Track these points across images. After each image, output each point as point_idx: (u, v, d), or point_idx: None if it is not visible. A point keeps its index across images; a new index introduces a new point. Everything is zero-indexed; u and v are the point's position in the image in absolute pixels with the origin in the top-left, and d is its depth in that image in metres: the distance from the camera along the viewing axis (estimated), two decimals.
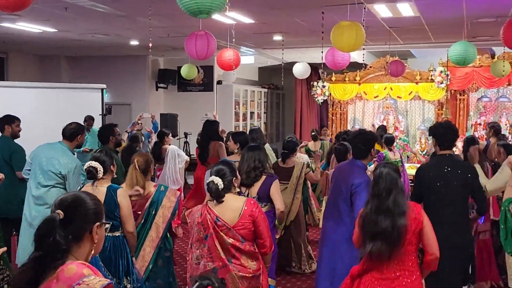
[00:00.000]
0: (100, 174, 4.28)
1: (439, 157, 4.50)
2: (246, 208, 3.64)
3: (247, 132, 7.60)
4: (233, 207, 3.67)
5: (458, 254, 4.17)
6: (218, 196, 3.66)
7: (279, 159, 6.56)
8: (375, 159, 7.92)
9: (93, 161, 4.29)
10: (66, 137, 5.34)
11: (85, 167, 4.30)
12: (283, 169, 6.33)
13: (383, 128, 10.39)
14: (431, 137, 4.64)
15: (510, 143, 7.04)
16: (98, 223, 2.19)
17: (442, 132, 4.48)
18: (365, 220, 3.37)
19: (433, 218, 3.48)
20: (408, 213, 3.31)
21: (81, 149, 7.75)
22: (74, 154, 5.51)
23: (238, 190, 3.97)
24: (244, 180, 4.76)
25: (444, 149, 4.45)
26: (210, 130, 7.53)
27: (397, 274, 3.30)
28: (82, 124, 5.77)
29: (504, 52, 10.25)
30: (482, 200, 4.41)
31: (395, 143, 8.85)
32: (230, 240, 3.62)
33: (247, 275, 3.65)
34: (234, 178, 3.77)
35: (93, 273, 2.06)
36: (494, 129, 7.91)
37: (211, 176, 3.72)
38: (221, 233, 3.63)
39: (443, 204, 4.26)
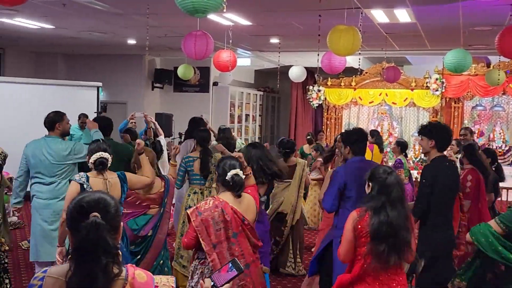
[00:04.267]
0: (109, 164, 4.25)
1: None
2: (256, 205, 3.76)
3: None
4: (250, 205, 3.73)
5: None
6: (241, 188, 3.69)
7: (280, 158, 6.81)
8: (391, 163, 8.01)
9: (103, 152, 4.18)
10: (47, 128, 5.40)
11: (94, 159, 4.16)
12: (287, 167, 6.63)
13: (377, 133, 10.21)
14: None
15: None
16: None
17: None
18: (381, 229, 3.20)
19: None
20: None
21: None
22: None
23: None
24: (263, 178, 4.75)
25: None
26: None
27: (396, 275, 3.30)
28: (62, 112, 5.64)
29: (499, 61, 10.31)
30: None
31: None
32: (253, 240, 3.70)
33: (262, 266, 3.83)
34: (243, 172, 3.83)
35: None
36: None
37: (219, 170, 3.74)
38: (247, 232, 3.68)
39: None
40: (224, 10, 4.48)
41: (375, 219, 3.20)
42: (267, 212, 6.78)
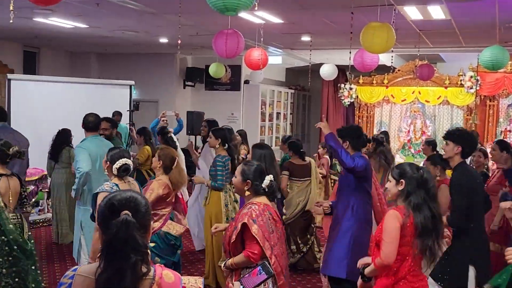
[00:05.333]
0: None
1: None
2: None
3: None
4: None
5: None
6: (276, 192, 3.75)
7: (292, 158, 6.87)
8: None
9: (127, 159, 4.28)
10: (90, 129, 5.39)
11: (119, 165, 4.24)
12: (303, 166, 6.81)
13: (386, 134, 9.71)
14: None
15: None
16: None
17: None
18: (428, 224, 3.25)
19: None
20: None
21: None
22: None
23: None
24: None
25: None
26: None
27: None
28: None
29: None
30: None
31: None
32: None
33: None
34: None
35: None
36: None
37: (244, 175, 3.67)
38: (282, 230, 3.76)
39: None
40: (256, 8, 4.47)
41: (420, 215, 3.24)
42: (290, 212, 6.74)
